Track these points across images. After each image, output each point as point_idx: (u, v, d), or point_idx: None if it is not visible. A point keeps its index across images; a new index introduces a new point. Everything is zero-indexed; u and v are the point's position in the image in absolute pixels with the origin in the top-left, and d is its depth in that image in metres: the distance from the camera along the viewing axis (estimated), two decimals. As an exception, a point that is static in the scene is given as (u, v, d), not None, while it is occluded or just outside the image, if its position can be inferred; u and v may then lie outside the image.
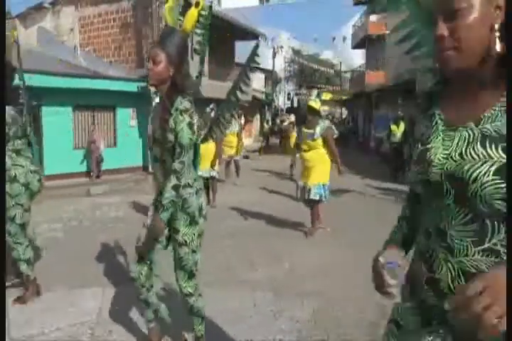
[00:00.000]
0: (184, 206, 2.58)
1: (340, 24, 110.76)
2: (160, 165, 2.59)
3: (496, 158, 1.05)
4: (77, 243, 5.60)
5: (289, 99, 41.98)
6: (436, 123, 1.21)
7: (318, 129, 5.85)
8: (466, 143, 1.11)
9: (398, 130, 11.78)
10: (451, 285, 1.16)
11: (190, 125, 2.48)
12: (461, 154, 1.11)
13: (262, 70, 33.34)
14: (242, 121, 10.89)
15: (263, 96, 30.99)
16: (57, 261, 4.73)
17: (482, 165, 1.06)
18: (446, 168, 1.12)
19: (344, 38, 24.86)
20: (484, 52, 1.10)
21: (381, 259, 1.28)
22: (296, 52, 48.18)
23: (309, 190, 5.90)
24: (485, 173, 1.04)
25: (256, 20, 23.80)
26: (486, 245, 1.09)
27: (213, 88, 15.75)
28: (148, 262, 2.73)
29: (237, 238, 5.84)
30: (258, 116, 29.93)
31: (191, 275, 2.71)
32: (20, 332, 3.11)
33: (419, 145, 1.23)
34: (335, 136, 6.10)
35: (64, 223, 6.83)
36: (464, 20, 1.08)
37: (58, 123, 12.17)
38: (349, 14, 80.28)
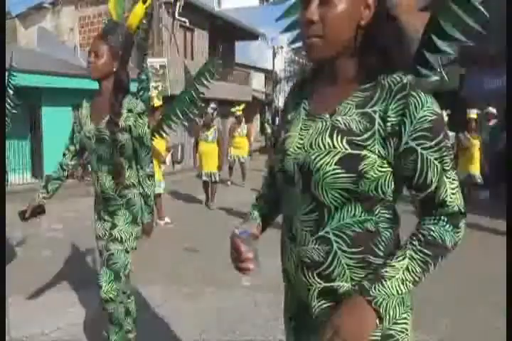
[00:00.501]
0: (128, 205, 2.50)
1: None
2: (105, 166, 2.47)
3: (339, 149, 1.05)
4: (77, 243, 5.60)
5: (289, 99, 41.85)
6: (300, 112, 1.21)
7: None
8: (317, 134, 1.11)
9: None
10: (294, 275, 1.17)
11: (149, 127, 2.48)
12: (311, 144, 1.11)
13: (262, 70, 33.33)
14: (243, 122, 10.82)
15: (263, 96, 30.97)
16: (57, 261, 4.73)
17: (326, 155, 1.06)
18: (298, 158, 1.12)
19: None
20: (348, 46, 1.10)
21: (235, 230, 1.24)
22: (297, 52, 48.13)
23: None
24: (328, 163, 1.05)
25: (256, 20, 23.79)
26: (320, 234, 1.10)
27: (213, 88, 15.76)
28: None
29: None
30: (258, 116, 29.91)
31: (116, 278, 2.47)
32: (20, 332, 3.11)
33: (283, 134, 1.23)
34: None
35: (64, 223, 6.83)
36: (335, 9, 1.06)
37: (58, 123, 12.16)
38: (349, 14, 79.86)
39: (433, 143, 1.02)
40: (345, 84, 1.12)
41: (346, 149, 1.04)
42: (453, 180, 1.06)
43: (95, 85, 2.48)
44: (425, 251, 1.03)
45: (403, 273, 1.01)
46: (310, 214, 1.11)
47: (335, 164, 1.04)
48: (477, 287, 4.20)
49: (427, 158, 1.03)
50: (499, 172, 8.46)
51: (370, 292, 1.00)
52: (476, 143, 7.89)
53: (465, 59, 12.68)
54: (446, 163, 1.04)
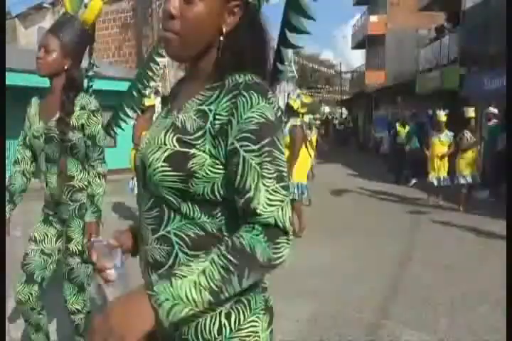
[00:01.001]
0: (80, 211, 2.38)
1: (340, 24, 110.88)
2: (55, 166, 2.33)
3: (169, 146, 1.03)
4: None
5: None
6: (164, 111, 1.19)
7: (287, 127, 5.85)
8: (159, 131, 1.09)
9: (404, 131, 11.57)
10: (144, 276, 1.13)
11: (102, 125, 2.39)
12: (151, 140, 1.09)
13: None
14: None
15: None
16: (57, 261, 4.73)
17: (157, 151, 1.04)
18: (141, 153, 1.11)
19: (344, 38, 24.94)
20: (207, 49, 1.08)
21: (92, 239, 1.15)
22: (296, 52, 48.20)
23: None
24: (157, 159, 1.03)
25: (256, 20, 23.73)
26: (161, 232, 1.07)
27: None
28: (40, 280, 2.45)
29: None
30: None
31: (81, 290, 2.41)
32: (20, 332, 3.11)
33: None
34: (312, 136, 5.99)
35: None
36: (196, 9, 1.03)
37: (58, 123, 12.16)
38: (349, 14, 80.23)
39: (256, 146, 0.97)
40: (201, 83, 1.10)
41: (175, 146, 1.02)
42: (273, 191, 0.97)
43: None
44: (229, 257, 0.93)
45: (198, 276, 0.91)
46: (150, 210, 1.08)
47: (163, 161, 1.02)
48: (477, 287, 4.20)
49: (248, 161, 0.97)
50: (499, 172, 8.47)
51: (155, 287, 0.91)
52: (477, 143, 7.88)
53: (465, 59, 12.70)
54: (266, 169, 0.97)
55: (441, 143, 8.13)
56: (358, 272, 4.55)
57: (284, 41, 1.96)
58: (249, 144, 0.98)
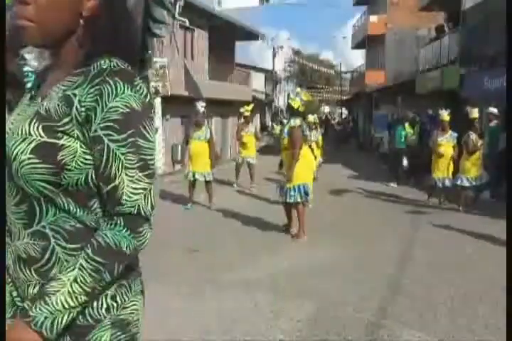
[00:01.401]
0: None
1: (340, 24, 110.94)
2: None
3: (35, 136, 0.99)
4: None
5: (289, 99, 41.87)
6: (26, 98, 1.15)
7: (287, 127, 5.80)
8: (23, 120, 1.05)
9: (414, 132, 11.35)
10: (13, 273, 1.10)
11: None
12: (15, 130, 1.04)
13: (262, 70, 33.34)
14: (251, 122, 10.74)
15: (263, 97, 30.99)
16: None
17: (22, 142, 1.00)
18: (4, 144, 1.05)
19: (344, 38, 24.97)
20: (67, 35, 1.06)
21: None
22: (296, 52, 48.23)
23: (286, 191, 5.69)
24: (22, 151, 0.99)
25: (256, 20, 23.80)
26: (35, 228, 1.04)
27: (213, 88, 15.74)
28: None
29: (238, 239, 5.84)
30: (258, 116, 29.94)
31: None
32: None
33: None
34: (313, 139, 5.92)
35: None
36: None
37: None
38: (349, 14, 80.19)
39: (121, 136, 0.99)
40: (66, 69, 1.07)
41: (42, 137, 0.99)
42: (137, 180, 1.01)
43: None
44: (98, 259, 0.97)
45: (71, 286, 0.96)
46: (20, 205, 1.04)
47: (30, 153, 0.98)
48: (477, 287, 4.20)
49: (113, 151, 0.99)
50: (500, 173, 8.46)
51: (30, 312, 0.95)
52: (483, 145, 7.85)
53: (465, 59, 12.70)
54: (130, 160, 1.00)
55: (446, 144, 8.04)
56: (358, 272, 4.55)
57: (147, 30, 2.01)
58: (113, 134, 0.99)
